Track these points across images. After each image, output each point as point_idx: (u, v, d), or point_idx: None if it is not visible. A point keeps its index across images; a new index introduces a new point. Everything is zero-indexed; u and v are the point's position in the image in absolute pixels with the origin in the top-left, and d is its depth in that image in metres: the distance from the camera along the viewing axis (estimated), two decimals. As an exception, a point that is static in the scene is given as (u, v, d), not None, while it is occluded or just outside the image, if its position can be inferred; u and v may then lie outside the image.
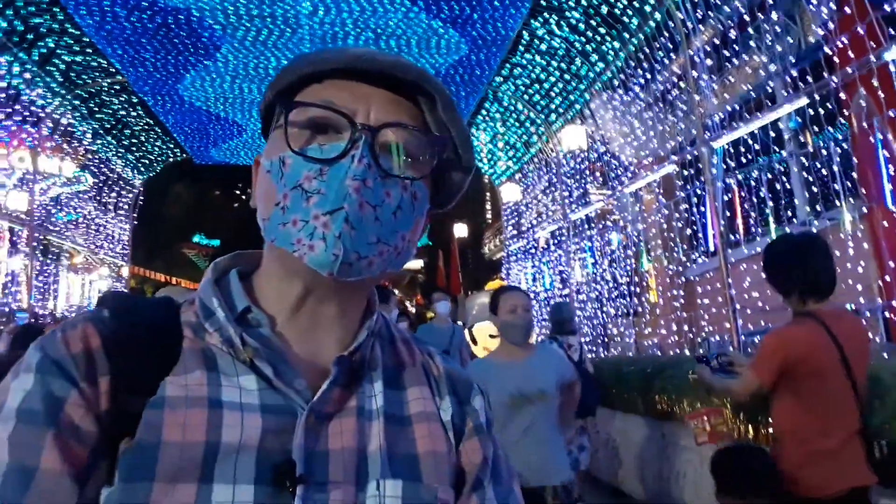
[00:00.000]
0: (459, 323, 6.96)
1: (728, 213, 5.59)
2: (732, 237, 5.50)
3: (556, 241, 10.08)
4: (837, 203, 4.48)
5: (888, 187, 4.06)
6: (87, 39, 7.06)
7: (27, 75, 7.35)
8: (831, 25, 4.36)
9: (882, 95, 3.86)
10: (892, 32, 3.91)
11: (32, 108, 7.76)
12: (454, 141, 0.68)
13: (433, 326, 6.11)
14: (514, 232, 11.89)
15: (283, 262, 0.65)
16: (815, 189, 4.65)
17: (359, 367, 0.69)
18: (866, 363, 2.38)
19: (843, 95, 4.17)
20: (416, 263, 23.65)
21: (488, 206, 29.03)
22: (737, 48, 5.22)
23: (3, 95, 7.10)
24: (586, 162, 8.85)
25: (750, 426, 3.73)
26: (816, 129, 4.57)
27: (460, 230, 21.59)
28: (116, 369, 0.59)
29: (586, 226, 8.99)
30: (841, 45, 4.13)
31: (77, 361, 0.58)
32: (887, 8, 3.88)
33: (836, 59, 4.31)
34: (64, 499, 0.53)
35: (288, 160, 0.61)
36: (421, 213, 0.67)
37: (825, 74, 4.31)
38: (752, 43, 5.01)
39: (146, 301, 0.68)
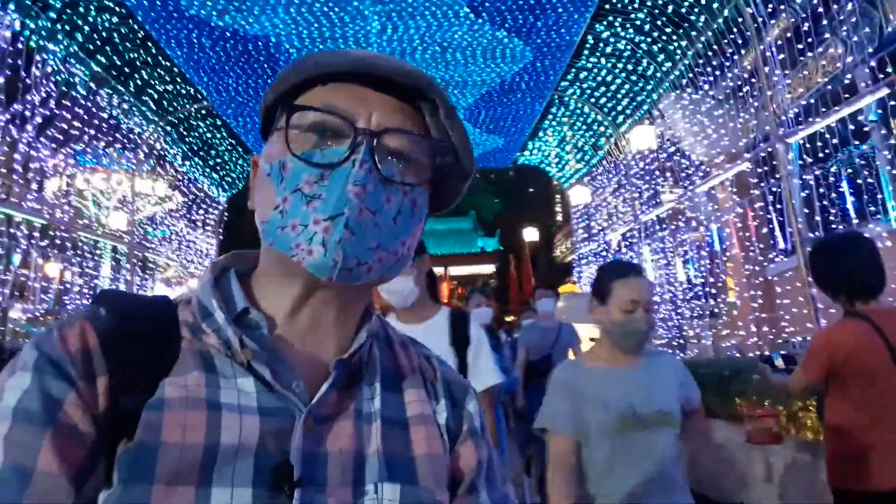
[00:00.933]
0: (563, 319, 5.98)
1: (807, 210, 5.42)
2: (811, 234, 5.33)
3: (627, 243, 9.96)
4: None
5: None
6: (177, 70, 7.62)
7: (125, 105, 7.99)
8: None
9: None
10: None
11: (130, 136, 8.42)
12: (454, 146, 0.68)
13: (536, 325, 5.75)
14: (585, 235, 11.81)
15: (282, 266, 0.64)
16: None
17: (357, 370, 0.69)
18: None
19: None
20: (487, 268, 23.75)
21: (558, 209, 28.78)
22: (811, 40, 5.08)
23: (105, 126, 7.74)
24: (656, 162, 8.73)
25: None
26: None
27: (531, 234, 21.57)
28: (114, 368, 0.58)
29: (657, 227, 8.85)
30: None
31: (74, 360, 0.57)
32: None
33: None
34: (61, 500, 0.52)
35: (288, 164, 0.61)
36: (420, 219, 0.67)
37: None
38: (826, 35, 4.87)
39: (143, 299, 0.67)
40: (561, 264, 23.37)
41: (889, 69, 4.33)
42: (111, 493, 0.54)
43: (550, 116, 10.02)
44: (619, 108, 8.97)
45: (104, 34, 6.72)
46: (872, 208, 4.71)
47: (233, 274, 0.70)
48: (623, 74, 8.17)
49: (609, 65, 8.12)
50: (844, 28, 4.64)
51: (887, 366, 2.29)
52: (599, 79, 8.53)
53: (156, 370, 0.60)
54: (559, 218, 28.12)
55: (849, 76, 4.73)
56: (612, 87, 8.61)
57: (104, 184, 9.63)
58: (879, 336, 2.33)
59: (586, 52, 7.88)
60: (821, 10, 4.82)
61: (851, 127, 4.81)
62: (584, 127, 10.08)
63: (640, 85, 8.14)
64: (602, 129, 9.77)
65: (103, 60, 7.08)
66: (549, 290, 5.84)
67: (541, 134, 10.73)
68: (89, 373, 0.57)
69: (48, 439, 0.53)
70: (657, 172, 8.85)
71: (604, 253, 10.94)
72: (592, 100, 9.15)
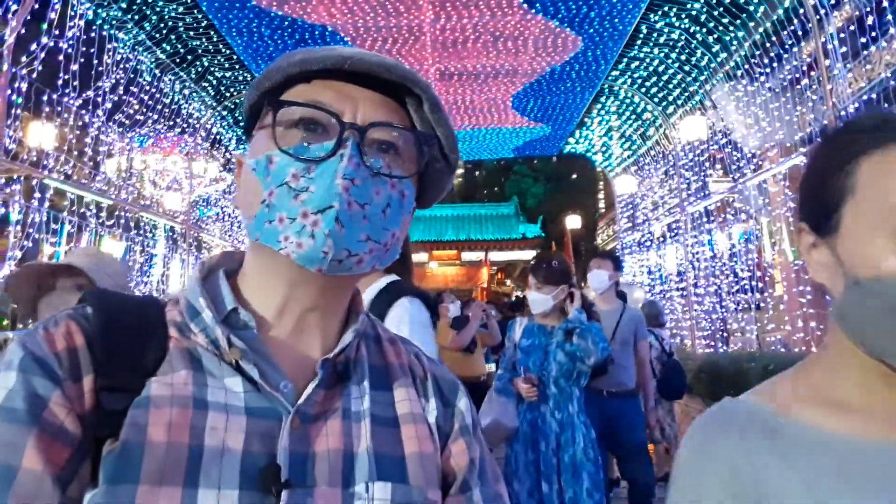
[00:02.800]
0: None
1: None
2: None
3: (672, 234, 9.90)
4: None
5: None
6: (236, 57, 7.88)
7: (186, 91, 8.31)
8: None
9: None
10: None
11: (189, 120, 8.75)
12: (440, 141, 0.68)
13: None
14: (629, 224, 11.76)
15: (267, 262, 0.65)
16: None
17: (344, 369, 0.68)
18: None
19: None
20: (528, 254, 23.76)
21: (601, 196, 28.52)
22: (875, 34, 4.98)
23: (167, 111, 8.07)
24: (706, 153, 8.64)
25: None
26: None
27: (573, 221, 21.46)
28: (100, 367, 0.58)
29: (705, 218, 8.78)
30: None
31: (60, 359, 0.57)
32: None
33: None
34: (46, 499, 0.52)
35: (275, 158, 0.61)
36: (408, 210, 0.67)
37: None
38: (891, 30, 4.77)
39: (131, 298, 0.67)
40: (603, 252, 23.23)
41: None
42: (96, 493, 0.54)
43: (599, 105, 9.99)
44: (670, 98, 8.89)
45: (170, 23, 7.00)
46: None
47: (222, 273, 0.69)
48: (675, 64, 8.09)
49: (661, 54, 8.05)
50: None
51: None
52: (651, 68, 8.46)
53: (142, 369, 0.59)
54: (602, 206, 27.87)
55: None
56: (664, 77, 8.53)
57: (160, 164, 10.03)
58: None
59: (639, 41, 7.83)
60: (885, 3, 4.72)
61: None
62: (633, 116, 10.02)
63: (693, 75, 8.05)
64: (651, 118, 9.69)
65: (168, 48, 7.38)
66: (608, 261, 4.31)
67: (588, 122, 10.69)
68: (75, 372, 0.57)
69: (33, 438, 0.52)
70: (706, 164, 8.76)
71: (648, 243, 10.89)
72: (643, 89, 9.08)
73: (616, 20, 7.12)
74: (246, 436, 0.59)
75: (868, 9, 5.02)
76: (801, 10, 5.70)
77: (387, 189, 0.63)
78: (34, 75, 5.33)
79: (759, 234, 7.86)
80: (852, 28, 5.28)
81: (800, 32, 5.86)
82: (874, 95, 5.07)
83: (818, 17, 5.50)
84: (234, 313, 0.65)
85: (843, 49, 5.39)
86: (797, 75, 6.10)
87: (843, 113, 5.37)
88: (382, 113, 0.65)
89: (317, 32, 7.14)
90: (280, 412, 0.61)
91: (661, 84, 8.71)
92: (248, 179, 0.65)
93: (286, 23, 6.94)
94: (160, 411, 0.57)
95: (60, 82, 5.74)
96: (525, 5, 6.79)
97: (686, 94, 8.53)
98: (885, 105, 4.91)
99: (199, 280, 0.67)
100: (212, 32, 7.31)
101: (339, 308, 0.70)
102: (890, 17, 4.75)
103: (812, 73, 5.85)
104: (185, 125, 8.78)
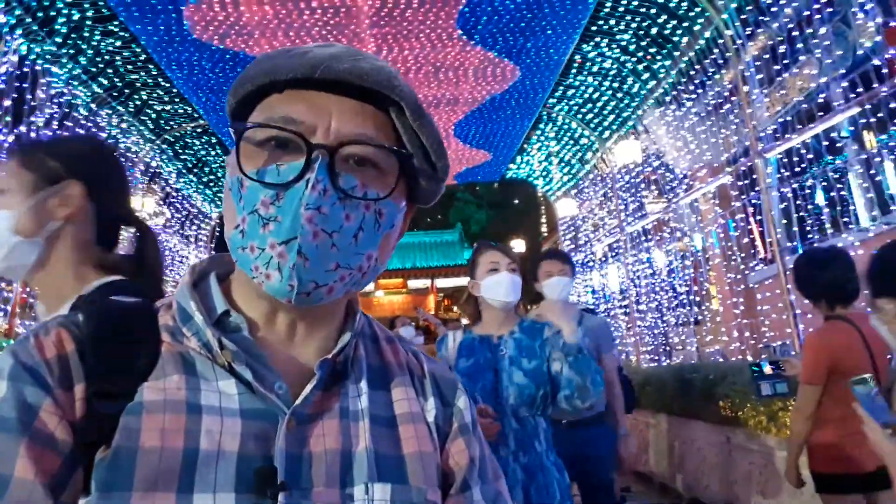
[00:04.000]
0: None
1: (785, 221, 5.74)
2: (789, 244, 5.64)
3: (613, 254, 10.26)
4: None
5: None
6: (175, 90, 7.79)
7: (124, 125, 8.14)
8: (878, 38, 4.53)
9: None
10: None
11: (128, 154, 8.56)
12: (425, 148, 0.65)
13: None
14: (572, 245, 12.11)
15: (248, 280, 0.63)
16: (871, 195, 4.79)
17: (342, 369, 0.67)
18: (887, 361, 2.66)
19: (892, 105, 4.33)
20: (473, 280, 24.00)
21: (543, 220, 29.14)
22: (787, 61, 5.41)
23: (104, 144, 7.88)
24: (641, 175, 9.05)
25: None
26: (870, 137, 4.72)
27: (517, 246, 21.86)
28: (91, 374, 0.57)
29: (643, 237, 9.16)
30: (889, 56, 4.30)
31: (51, 367, 0.56)
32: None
33: (886, 68, 4.46)
34: None
35: (245, 182, 0.60)
36: (389, 227, 0.64)
37: (874, 85, 4.47)
38: (801, 57, 5.20)
39: (122, 305, 0.66)
40: (551, 251, 23.62)
41: (860, 89, 4.65)
42: (88, 501, 0.53)
43: (538, 132, 10.33)
44: (605, 123, 9.29)
45: (107, 57, 6.89)
46: (846, 219, 5.02)
47: (213, 277, 0.69)
48: (609, 92, 8.50)
49: (595, 83, 8.44)
50: (818, 50, 4.97)
51: (865, 362, 2.57)
52: (586, 96, 8.84)
53: (134, 375, 0.59)
54: (545, 229, 28.49)
55: (822, 95, 5.05)
56: (599, 104, 8.92)
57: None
58: (860, 336, 2.61)
59: (573, 70, 8.19)
60: (795, 33, 5.15)
61: (826, 143, 5.13)
62: (571, 141, 10.40)
63: (626, 102, 8.47)
64: (588, 143, 10.08)
65: (105, 82, 7.24)
66: (561, 263, 3.82)
67: (528, 148, 11.03)
68: (66, 379, 0.56)
69: (24, 447, 0.52)
70: (642, 185, 9.16)
71: (591, 263, 11.23)
72: (579, 116, 9.46)
73: (552, 50, 7.44)
74: (241, 438, 0.58)
75: (780, 38, 5.45)
76: (721, 41, 6.13)
77: (360, 211, 0.60)
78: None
79: (695, 251, 8.25)
80: (766, 56, 5.71)
81: (720, 61, 6.29)
82: (789, 118, 5.49)
83: (736, 46, 5.93)
84: (226, 316, 0.65)
85: (760, 76, 5.82)
86: (720, 100, 6.53)
87: (761, 135, 5.77)
88: (358, 124, 0.61)
89: (259, 65, 7.17)
90: (276, 413, 0.60)
91: (596, 110, 9.11)
92: (226, 196, 0.63)
93: (227, 56, 6.94)
94: (153, 417, 0.56)
95: (-8, 118, 5.56)
96: (464, 37, 7.03)
97: (620, 119, 8.95)
98: (800, 126, 5.32)
99: (189, 284, 0.66)
100: (151, 66, 7.22)
101: (330, 317, 0.69)
102: (800, 45, 5.18)
103: (733, 99, 6.27)
104: (122, 159, 8.58)
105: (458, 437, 0.72)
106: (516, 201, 29.49)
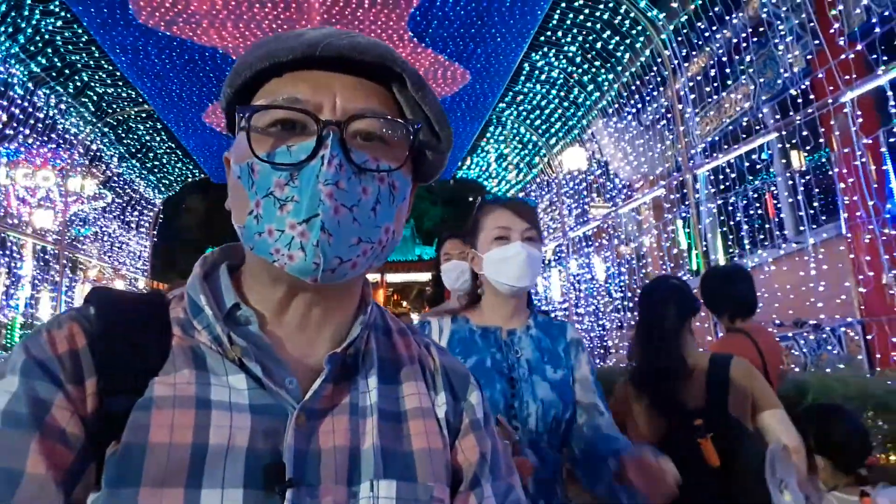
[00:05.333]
0: None
1: (710, 235, 6.05)
2: (713, 257, 5.96)
3: (556, 258, 10.53)
4: (814, 225, 4.94)
5: (843, 215, 4.51)
6: (119, 73, 7.62)
7: (63, 106, 7.92)
8: (796, 69, 4.84)
9: (837, 133, 4.34)
10: (850, 76, 4.38)
11: (66, 136, 8.33)
12: (429, 119, 0.65)
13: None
14: (518, 248, 12.34)
15: (264, 267, 0.63)
16: (783, 215, 5.12)
17: (352, 363, 0.67)
18: (779, 371, 2.89)
19: (804, 132, 4.64)
20: (424, 276, 24.09)
21: (495, 220, 29.43)
22: (717, 84, 5.70)
23: (41, 125, 7.65)
24: (584, 183, 9.32)
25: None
26: (785, 161, 5.05)
27: (467, 244, 22.08)
28: (103, 369, 0.57)
29: (584, 243, 9.44)
30: (803, 87, 4.61)
31: (62, 362, 0.56)
32: (857, 48, 4.36)
33: (805, 95, 4.78)
34: (50, 503, 0.51)
35: (256, 167, 0.59)
36: (402, 199, 0.64)
37: (790, 113, 4.78)
38: (729, 82, 5.50)
39: (134, 297, 0.66)
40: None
41: (777, 116, 4.96)
42: (98, 496, 0.53)
43: (489, 134, 10.50)
44: (553, 130, 9.53)
45: (46, 36, 6.69)
46: (762, 236, 5.35)
47: (224, 269, 0.68)
48: (556, 100, 8.73)
49: (544, 90, 8.65)
50: (744, 77, 5.27)
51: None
52: (535, 103, 9.05)
53: (145, 370, 0.58)
54: (496, 228, 28.81)
55: (746, 119, 5.36)
56: (547, 111, 9.15)
57: (30, 181, 9.41)
58: (756, 348, 2.83)
59: (523, 77, 8.38)
60: (725, 59, 5.44)
61: (747, 164, 5.44)
62: (520, 146, 10.62)
63: (572, 111, 8.71)
64: (535, 148, 10.32)
65: (44, 62, 7.03)
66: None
67: (479, 150, 11.20)
68: (77, 375, 0.56)
69: (36, 443, 0.52)
70: (585, 192, 9.44)
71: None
72: (528, 121, 9.67)
73: (501, 57, 7.60)
74: (251, 434, 0.57)
75: (712, 62, 5.74)
76: (660, 60, 6.40)
77: (375, 184, 0.60)
78: None
79: (631, 257, 8.57)
80: (699, 78, 6.01)
81: (659, 79, 6.56)
82: (717, 138, 5.79)
83: (673, 67, 6.21)
84: (236, 310, 0.64)
85: (694, 96, 6.11)
86: (657, 116, 6.81)
87: (693, 152, 6.07)
88: (362, 99, 0.61)
89: (207, 54, 7.08)
90: (285, 409, 0.60)
91: (543, 117, 9.33)
92: (234, 185, 0.63)
93: (175, 43, 6.84)
94: (162, 412, 0.56)
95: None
96: (415, 39, 7.11)
97: (567, 127, 9.20)
98: (726, 147, 5.63)
99: (200, 276, 0.66)
100: (93, 48, 7.06)
101: (346, 301, 0.68)
102: (730, 70, 5.47)
103: (669, 116, 6.56)
104: (60, 140, 8.33)
105: (469, 432, 0.70)
106: (470, 199, 29.72)
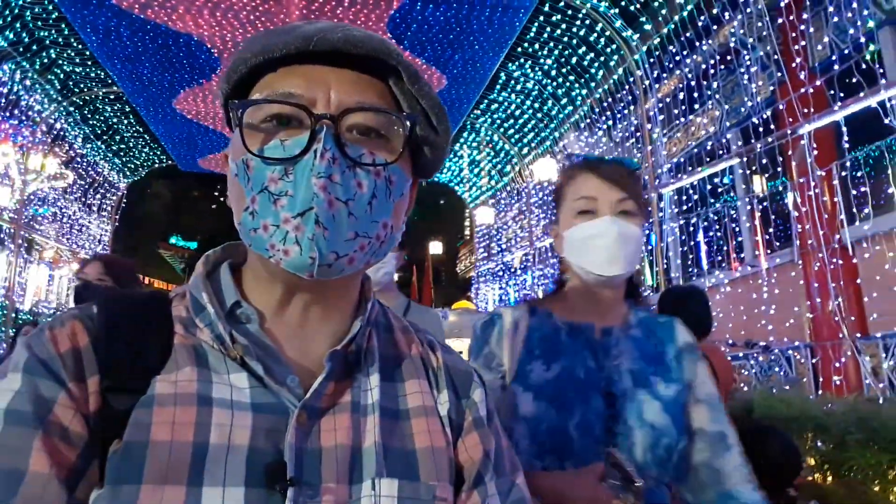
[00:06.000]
0: None
1: (671, 254, 6.20)
2: (673, 275, 6.10)
3: (522, 266, 10.65)
4: (769, 249, 5.10)
5: (797, 242, 4.68)
6: (88, 53, 7.46)
7: (27, 82, 7.72)
8: (762, 97, 5.01)
9: (794, 163, 4.51)
10: (809, 109, 4.54)
11: (29, 113, 8.11)
12: (426, 112, 0.64)
13: None
14: (486, 254, 12.44)
15: (262, 263, 0.63)
16: (741, 238, 5.29)
17: (353, 361, 0.66)
18: (730, 389, 2.99)
19: (764, 160, 4.80)
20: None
21: (466, 223, 29.64)
22: (685, 107, 5.86)
23: (3, 100, 7.45)
24: (553, 194, 9.45)
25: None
26: (745, 186, 5.22)
27: (435, 247, 22.14)
28: (105, 368, 0.57)
29: (551, 253, 9.57)
30: (765, 117, 4.77)
31: (65, 361, 0.57)
32: (816, 83, 4.52)
33: (767, 124, 4.94)
34: (53, 502, 0.52)
35: (251, 162, 0.59)
36: (399, 194, 0.63)
37: (752, 140, 4.95)
38: (696, 106, 5.66)
39: (137, 296, 0.66)
40: (462, 280, 24.10)
41: (740, 142, 5.12)
42: (100, 494, 0.53)
43: (462, 140, 10.57)
44: (525, 140, 9.64)
45: (16, 10, 6.52)
46: (719, 258, 5.51)
47: (226, 267, 0.68)
48: (530, 111, 8.84)
49: (518, 101, 8.76)
50: (711, 102, 5.42)
51: None
52: (509, 112, 9.15)
53: (147, 368, 0.59)
54: (466, 232, 28.96)
55: (711, 143, 5.51)
56: (520, 121, 9.26)
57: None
58: (710, 367, 2.92)
59: (498, 86, 8.47)
60: (694, 83, 5.59)
61: (709, 186, 5.60)
62: (493, 153, 10.72)
63: (545, 122, 8.83)
64: (507, 157, 10.42)
65: (11, 36, 6.84)
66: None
67: (453, 155, 11.26)
68: (80, 373, 0.57)
69: (39, 441, 0.52)
70: (554, 203, 9.57)
71: (501, 273, 11.59)
72: (501, 130, 9.77)
73: (478, 64, 7.67)
74: (252, 432, 0.57)
75: (681, 85, 5.90)
76: (632, 79, 6.54)
77: (371, 179, 0.59)
78: None
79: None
80: (668, 100, 6.16)
81: (630, 97, 6.71)
82: (682, 160, 5.95)
83: (644, 87, 6.35)
84: (237, 307, 0.64)
85: (662, 117, 6.26)
86: (627, 134, 6.96)
87: (659, 171, 6.22)
88: (357, 93, 0.60)
89: (181, 40, 6.98)
90: (287, 407, 0.60)
91: (517, 127, 9.44)
92: (232, 182, 0.62)
93: (148, 27, 6.72)
94: (164, 410, 0.56)
95: None
96: (393, 41, 7.13)
97: (539, 138, 9.32)
98: (690, 169, 5.78)
99: (203, 274, 0.66)
100: (63, 25, 6.90)
101: (345, 298, 0.67)
102: (697, 94, 5.62)
103: (638, 134, 6.71)
104: (23, 117, 8.11)
105: (472, 430, 0.69)
106: (441, 201, 29.83)
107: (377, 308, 0.71)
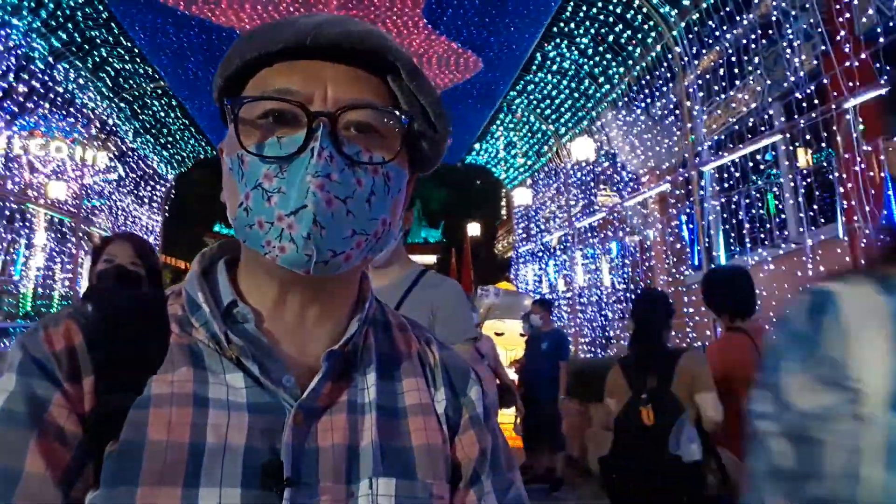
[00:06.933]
0: None
1: (712, 232, 6.16)
2: (715, 254, 6.07)
3: (561, 247, 10.65)
4: (813, 226, 5.05)
5: (841, 219, 4.62)
6: (137, 50, 7.75)
7: (81, 80, 8.05)
8: (807, 68, 4.92)
9: (839, 138, 4.44)
10: (854, 83, 4.45)
11: (83, 111, 8.47)
12: (425, 109, 0.63)
13: None
14: (524, 235, 12.47)
15: (258, 261, 0.62)
16: (784, 215, 5.23)
17: (351, 360, 0.66)
18: None
19: (808, 136, 4.73)
20: (429, 259, 24.28)
21: (503, 203, 29.56)
22: (725, 84, 5.78)
23: (60, 99, 7.80)
24: (592, 173, 9.41)
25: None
26: (788, 163, 5.15)
27: (473, 229, 22.23)
28: (100, 368, 0.57)
29: (590, 234, 9.56)
30: (808, 92, 4.69)
31: (60, 360, 0.56)
32: (862, 55, 4.43)
33: (810, 99, 4.86)
34: (49, 501, 0.51)
35: (246, 158, 0.58)
36: (397, 191, 0.63)
37: (794, 116, 4.87)
38: (737, 81, 5.58)
39: (132, 295, 0.65)
40: (501, 260, 24.14)
41: (783, 117, 5.05)
42: (96, 495, 0.53)
43: (499, 122, 10.59)
44: (562, 120, 9.61)
45: (67, 11, 6.81)
46: (762, 235, 5.46)
47: (222, 265, 0.67)
48: (567, 91, 8.80)
49: (554, 80, 8.72)
50: (752, 77, 5.34)
51: (756, 372, 2.91)
52: (545, 92, 9.13)
53: (143, 368, 0.58)
54: (504, 211, 28.90)
55: (752, 119, 5.44)
56: (557, 101, 9.22)
57: (41, 150, 9.53)
58: (755, 348, 2.94)
59: (534, 67, 8.45)
60: (734, 58, 5.51)
61: (751, 163, 5.54)
62: (529, 134, 10.70)
63: (582, 102, 8.79)
64: (545, 137, 10.40)
65: (64, 36, 7.16)
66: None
67: (489, 137, 11.28)
68: (75, 373, 0.56)
69: (34, 441, 0.52)
70: (592, 183, 9.54)
71: (540, 254, 11.62)
72: (538, 110, 9.75)
73: (514, 46, 7.67)
74: (248, 432, 0.57)
75: (721, 60, 5.81)
76: (670, 56, 6.46)
77: (369, 176, 0.59)
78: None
79: (636, 249, 8.68)
80: (708, 77, 6.08)
81: (669, 75, 6.63)
82: (723, 137, 5.88)
83: (683, 63, 6.28)
84: (234, 306, 0.63)
85: (702, 94, 6.19)
86: (666, 112, 6.89)
87: (699, 149, 6.16)
88: (355, 90, 0.60)
89: (224, 34, 7.19)
90: (283, 407, 0.60)
91: (553, 107, 9.41)
92: (227, 177, 0.62)
93: (193, 22, 6.94)
94: (160, 410, 0.56)
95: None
96: (430, 26, 7.19)
97: (576, 118, 9.27)
98: (731, 146, 5.71)
99: (198, 273, 0.65)
100: (113, 24, 7.18)
101: (342, 297, 0.67)
102: (738, 70, 5.54)
103: (677, 112, 6.64)
104: (78, 115, 8.48)
105: (469, 428, 0.70)
106: (479, 182, 29.80)
107: (375, 306, 0.71)
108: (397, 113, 0.61)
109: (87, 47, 7.58)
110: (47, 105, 7.47)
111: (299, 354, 0.64)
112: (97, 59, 7.94)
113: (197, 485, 0.54)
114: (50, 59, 7.27)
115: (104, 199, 10.28)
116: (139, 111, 9.67)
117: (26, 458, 0.51)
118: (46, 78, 7.30)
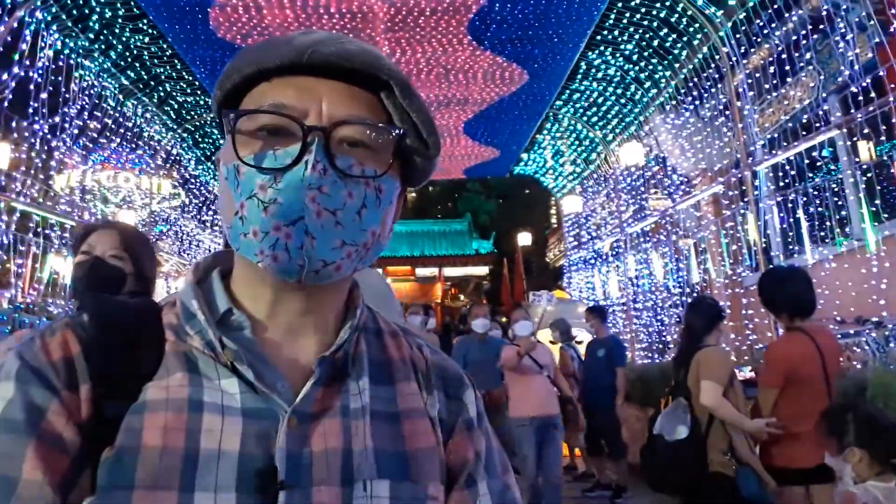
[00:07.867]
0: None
1: (769, 232, 6.05)
2: (772, 254, 5.96)
3: (614, 253, 10.58)
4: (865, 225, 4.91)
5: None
6: (197, 83, 8.19)
7: (147, 115, 8.56)
8: (863, 59, 4.82)
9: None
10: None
11: (151, 143, 8.99)
12: (417, 127, 0.65)
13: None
14: (575, 242, 12.42)
15: (251, 269, 0.64)
16: (844, 212, 5.11)
17: (343, 366, 0.67)
18: (838, 369, 2.97)
19: (866, 130, 4.63)
20: (481, 270, 24.34)
21: (553, 212, 29.43)
22: (776, 82, 5.70)
23: (129, 133, 8.31)
24: (641, 178, 9.35)
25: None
26: (846, 158, 5.03)
27: (524, 238, 22.20)
28: (97, 375, 0.58)
29: (642, 238, 9.47)
30: (864, 85, 4.60)
31: (57, 369, 0.57)
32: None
33: (866, 92, 4.76)
34: None
35: (241, 168, 0.59)
36: (388, 203, 0.65)
37: (851, 110, 4.78)
38: (788, 79, 5.50)
39: (127, 304, 0.66)
40: (553, 269, 23.99)
41: (839, 112, 4.95)
42: (92, 500, 0.54)
43: (545, 132, 10.64)
44: (610, 126, 9.59)
45: (135, 52, 7.28)
46: (822, 233, 5.34)
47: (216, 275, 0.69)
48: (613, 97, 8.80)
49: (600, 88, 8.74)
50: (808, 69, 5.26)
51: (819, 372, 2.90)
52: (591, 100, 9.15)
53: (139, 375, 0.59)
54: (553, 221, 28.75)
55: (806, 116, 5.35)
56: (603, 108, 9.23)
57: (111, 182, 10.11)
58: (815, 347, 2.93)
59: (579, 76, 8.49)
60: (784, 56, 5.44)
61: (807, 161, 5.43)
62: (577, 142, 10.71)
63: (629, 107, 8.77)
64: (592, 144, 10.39)
65: (132, 75, 7.65)
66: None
67: (536, 147, 11.35)
68: (72, 381, 0.57)
69: (32, 448, 0.53)
70: (643, 188, 9.47)
71: (592, 261, 11.55)
72: (585, 118, 9.77)
73: (558, 57, 7.75)
74: (242, 437, 0.58)
75: (772, 58, 5.74)
76: (717, 56, 6.42)
77: (360, 189, 0.61)
78: (5, 104, 5.56)
79: (688, 254, 8.56)
80: (758, 75, 6.00)
81: (717, 76, 6.58)
82: (776, 135, 5.79)
83: (731, 63, 6.22)
84: (229, 315, 0.65)
85: (752, 93, 6.11)
86: (715, 113, 6.82)
87: (751, 149, 6.07)
88: (349, 106, 0.62)
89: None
90: (277, 412, 0.61)
91: (600, 114, 9.41)
92: (222, 186, 0.64)
93: (249, 54, 7.30)
94: (155, 416, 0.57)
95: (31, 110, 5.98)
96: (474, 42, 7.35)
97: (623, 123, 9.25)
98: (784, 144, 5.62)
99: (192, 282, 0.67)
100: (175, 61, 7.63)
101: (333, 306, 0.69)
102: (789, 67, 5.47)
103: (727, 112, 6.57)
104: (146, 147, 9.00)
105: (462, 431, 0.71)
106: (527, 191, 29.77)
107: (366, 314, 0.73)
108: (390, 128, 0.64)
109: (153, 83, 8.07)
110: (118, 139, 7.96)
111: (292, 361, 0.65)
112: (162, 94, 8.44)
113: (192, 489, 0.55)
114: (120, 96, 7.78)
115: (169, 224, 10.82)
116: (200, 140, 10.19)
117: (24, 464, 0.52)
118: (117, 114, 7.80)
